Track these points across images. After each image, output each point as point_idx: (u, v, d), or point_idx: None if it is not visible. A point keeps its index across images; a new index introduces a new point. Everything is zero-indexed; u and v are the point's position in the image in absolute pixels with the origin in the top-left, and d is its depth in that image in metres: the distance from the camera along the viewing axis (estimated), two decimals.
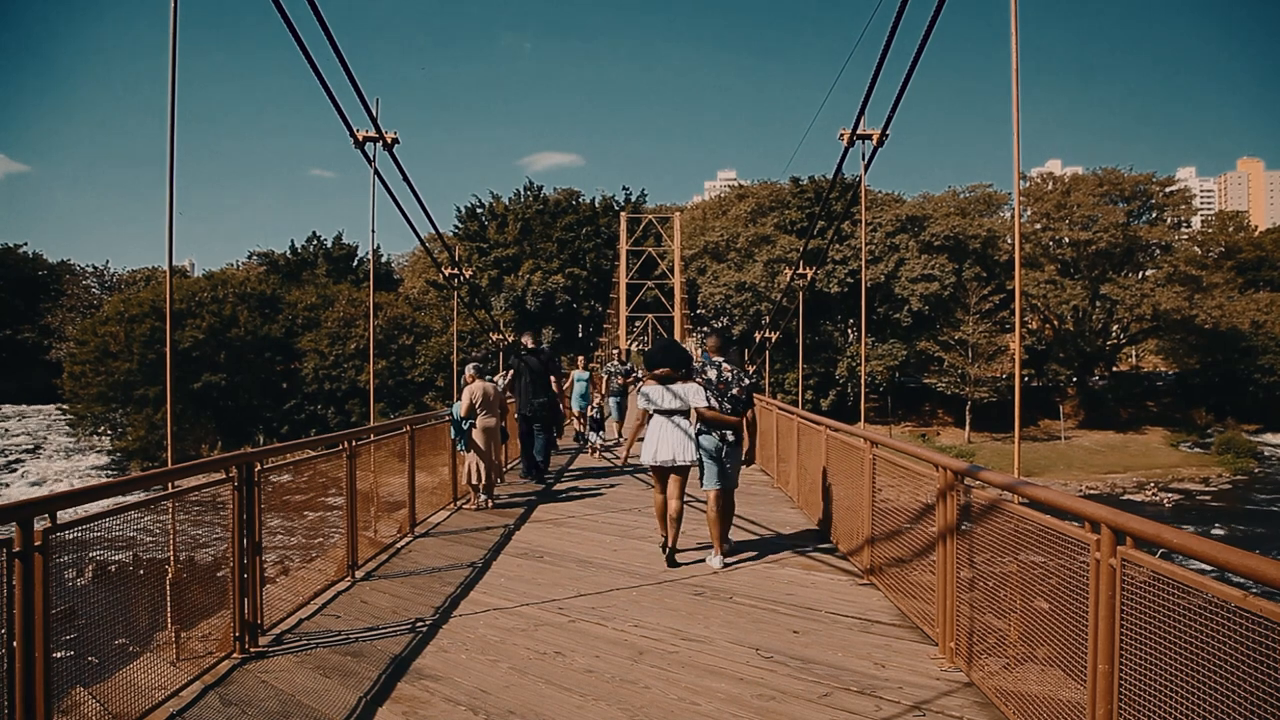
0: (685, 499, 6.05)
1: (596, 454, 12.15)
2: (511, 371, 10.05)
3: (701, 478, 5.98)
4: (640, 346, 45.20)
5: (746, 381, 6.05)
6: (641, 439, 6.14)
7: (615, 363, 13.59)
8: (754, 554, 6.21)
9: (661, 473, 5.93)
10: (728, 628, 4.47)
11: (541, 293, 48.31)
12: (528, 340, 10.17)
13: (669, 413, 5.84)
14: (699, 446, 5.92)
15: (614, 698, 3.55)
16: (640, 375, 12.89)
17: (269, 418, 43.48)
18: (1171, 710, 2.23)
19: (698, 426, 5.94)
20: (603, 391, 13.44)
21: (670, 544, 5.90)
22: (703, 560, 5.97)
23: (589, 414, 12.72)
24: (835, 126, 7.73)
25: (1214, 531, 27.11)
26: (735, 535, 6.67)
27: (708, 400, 5.85)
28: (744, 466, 6.15)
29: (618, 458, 11.56)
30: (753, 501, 8.47)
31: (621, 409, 13.52)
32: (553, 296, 48.71)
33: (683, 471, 5.88)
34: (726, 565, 5.85)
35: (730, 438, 5.90)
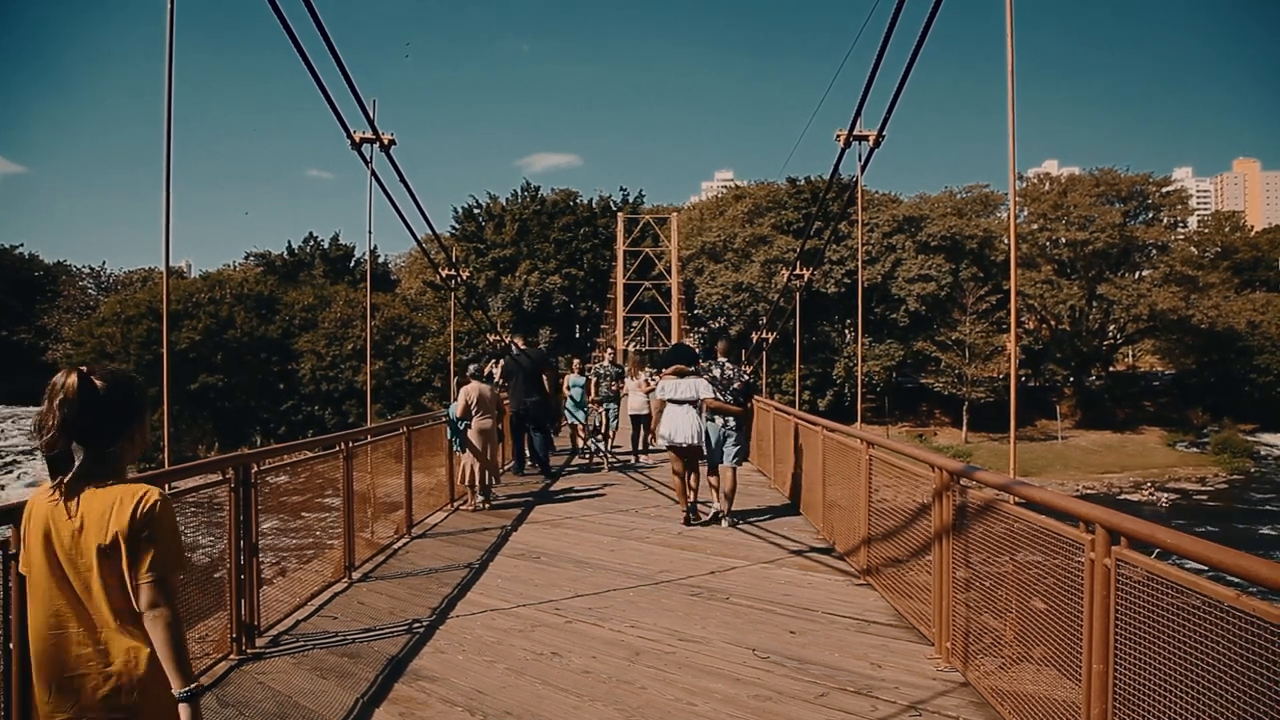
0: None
1: (604, 465, 11.07)
2: (501, 363, 10.29)
3: (708, 456, 7.33)
4: (638, 346, 45.16)
5: (744, 378, 7.42)
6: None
7: (606, 364, 12.39)
8: (750, 554, 6.23)
9: (679, 451, 7.18)
10: (725, 628, 4.47)
11: (539, 293, 48.30)
12: (519, 341, 10.48)
13: (682, 403, 7.11)
14: (706, 431, 7.20)
15: (611, 698, 3.55)
16: (633, 378, 12.73)
17: (266, 419, 43.45)
18: (1165, 709, 2.23)
19: (706, 414, 7.19)
20: (593, 396, 12.05)
21: (687, 510, 7.31)
22: (709, 509, 7.43)
23: (588, 423, 11.50)
24: (832, 126, 7.75)
25: (1211, 530, 27.17)
26: (732, 536, 6.91)
27: (714, 393, 7.16)
28: (743, 460, 7.43)
29: (615, 459, 11.55)
30: (750, 502, 8.48)
31: (611, 417, 12.08)
32: (550, 297, 48.70)
33: (696, 450, 7.19)
34: (733, 525, 7.18)
35: (732, 423, 7.27)
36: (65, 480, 1.82)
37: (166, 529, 1.82)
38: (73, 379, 1.82)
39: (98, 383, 1.84)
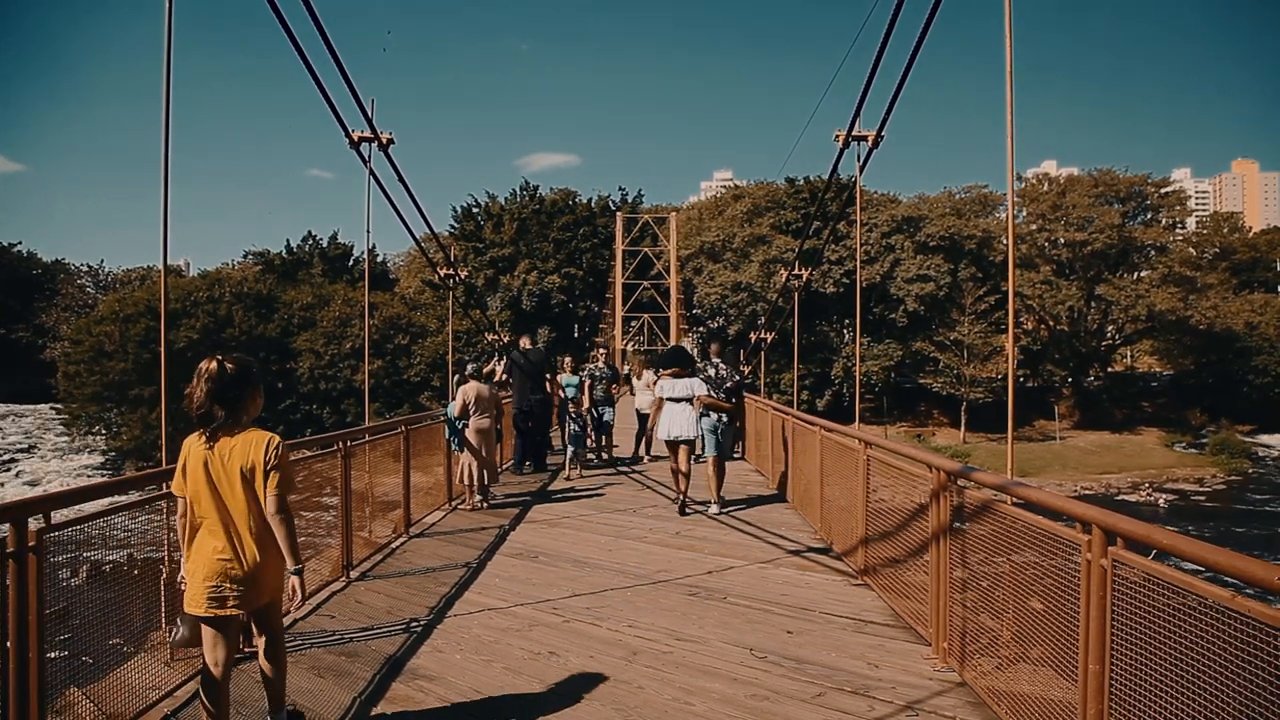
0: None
1: (577, 472, 10.23)
2: (505, 359, 10.40)
3: (702, 448, 8.01)
4: (636, 346, 45.16)
5: (736, 377, 8.22)
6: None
7: (601, 364, 11.71)
8: (748, 554, 6.23)
9: (675, 444, 7.75)
10: (722, 628, 4.48)
11: (537, 293, 48.26)
12: (525, 341, 10.59)
13: (679, 400, 7.69)
14: (701, 425, 7.82)
15: (608, 698, 3.55)
16: (639, 378, 12.71)
17: (264, 417, 42.75)
18: (1161, 710, 2.24)
19: (700, 410, 7.80)
20: (587, 398, 11.32)
21: (682, 498, 7.85)
22: (706, 509, 7.88)
23: (568, 426, 10.49)
24: (831, 126, 7.75)
25: (1208, 530, 27.20)
26: (730, 536, 6.93)
27: (708, 390, 7.83)
28: (733, 460, 8.31)
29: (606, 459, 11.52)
30: (748, 501, 8.50)
31: (606, 420, 11.58)
32: (549, 296, 48.67)
33: (690, 444, 7.77)
34: (723, 511, 7.81)
35: (724, 419, 7.97)
36: (212, 430, 2.78)
37: (286, 461, 2.84)
38: (214, 364, 2.78)
39: (229, 365, 2.80)
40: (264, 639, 3.01)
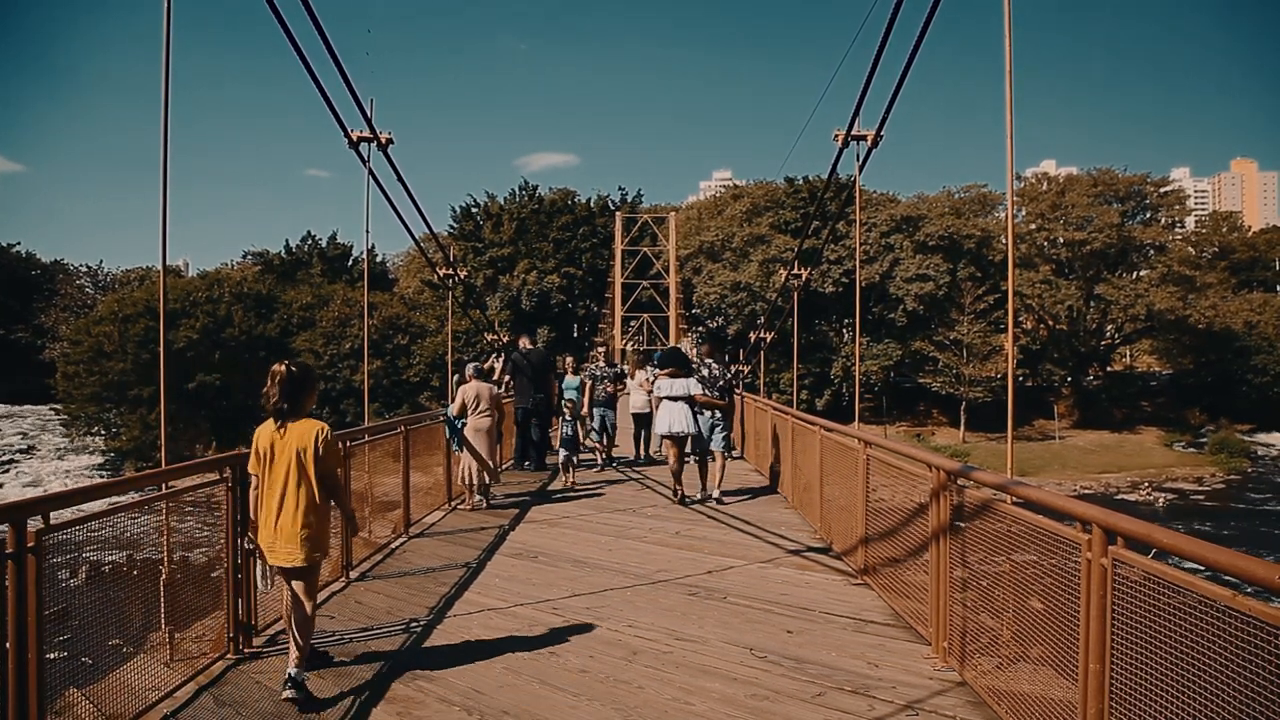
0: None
1: (569, 479, 9.55)
2: (504, 357, 10.45)
3: (699, 444, 8.41)
4: (636, 346, 45.14)
5: (729, 376, 8.80)
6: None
7: (602, 364, 11.68)
8: (748, 554, 6.23)
9: (674, 440, 8.12)
10: (722, 628, 4.47)
11: (537, 292, 48.23)
12: (525, 342, 10.79)
13: (675, 398, 8.10)
14: (697, 422, 8.21)
15: (608, 698, 3.55)
16: (633, 377, 12.65)
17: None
18: (1162, 709, 2.24)
19: (695, 407, 8.23)
20: (588, 400, 10.96)
21: (680, 491, 8.29)
22: (706, 500, 8.39)
23: (561, 428, 9.90)
24: (831, 125, 7.75)
25: (1205, 529, 27.22)
26: (730, 536, 6.95)
27: (703, 389, 8.29)
28: (733, 459, 8.96)
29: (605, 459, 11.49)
30: (747, 501, 8.51)
31: (609, 423, 11.35)
32: (548, 296, 48.64)
33: (686, 439, 8.14)
34: (722, 503, 8.27)
35: (719, 415, 8.49)
36: (280, 420, 3.55)
37: (335, 445, 3.63)
38: (284, 367, 3.60)
39: (294, 369, 3.60)
40: (298, 597, 3.56)
